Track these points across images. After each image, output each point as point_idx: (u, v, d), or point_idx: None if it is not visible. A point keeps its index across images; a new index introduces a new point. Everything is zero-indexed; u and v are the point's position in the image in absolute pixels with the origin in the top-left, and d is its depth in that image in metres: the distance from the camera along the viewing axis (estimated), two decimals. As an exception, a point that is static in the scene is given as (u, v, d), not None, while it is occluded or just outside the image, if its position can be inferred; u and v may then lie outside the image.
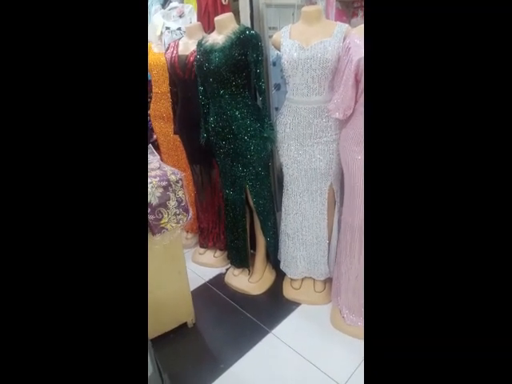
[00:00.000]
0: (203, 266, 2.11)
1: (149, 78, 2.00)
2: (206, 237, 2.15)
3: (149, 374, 0.94)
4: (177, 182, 1.40)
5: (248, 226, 1.84)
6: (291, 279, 1.81)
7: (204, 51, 1.52)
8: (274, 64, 1.77)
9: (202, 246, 2.18)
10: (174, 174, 1.40)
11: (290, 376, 1.40)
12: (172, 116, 1.98)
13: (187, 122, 1.83)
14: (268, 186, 1.72)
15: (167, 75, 1.87)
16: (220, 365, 1.46)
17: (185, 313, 1.64)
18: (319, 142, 1.48)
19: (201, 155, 1.87)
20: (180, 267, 1.55)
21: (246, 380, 1.40)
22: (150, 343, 1.06)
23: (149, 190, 1.33)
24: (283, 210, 1.71)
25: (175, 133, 1.98)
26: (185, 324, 1.66)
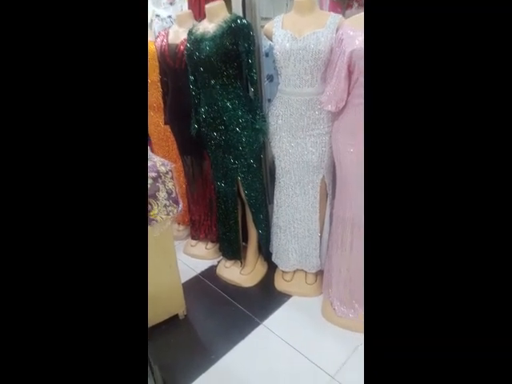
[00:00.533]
0: (195, 257, 2.10)
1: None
2: (197, 229, 2.14)
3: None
4: (166, 173, 1.38)
5: (240, 219, 1.83)
6: (283, 271, 1.82)
7: (194, 40, 1.48)
8: (267, 55, 1.74)
9: (193, 238, 2.17)
10: (163, 165, 1.38)
11: (281, 367, 1.41)
12: (162, 106, 1.95)
13: (178, 113, 1.81)
14: (260, 179, 1.71)
15: (157, 64, 1.83)
16: (211, 356, 1.47)
17: (176, 304, 1.64)
18: (311, 134, 1.47)
19: (192, 146, 1.85)
20: (171, 259, 1.55)
21: (237, 371, 1.41)
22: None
23: (138, 181, 1.31)
24: (275, 202, 1.70)
25: (166, 123, 1.95)
26: (176, 316, 1.66)
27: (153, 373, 1.24)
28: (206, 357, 1.46)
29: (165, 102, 1.91)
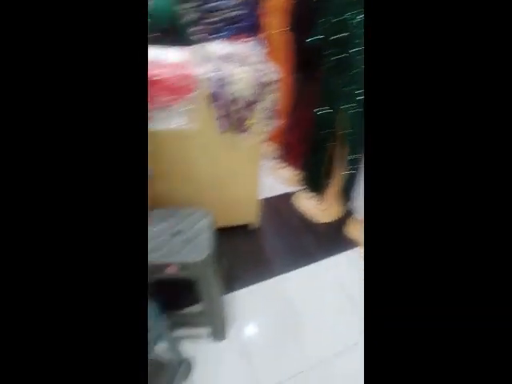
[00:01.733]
0: (280, 180, 2.12)
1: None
2: (289, 152, 2.10)
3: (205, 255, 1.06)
4: (275, 82, 1.31)
5: (331, 154, 1.72)
6: (357, 219, 1.72)
7: None
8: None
9: (282, 161, 2.16)
10: (274, 73, 1.31)
11: (326, 304, 1.43)
12: (289, 9, 1.78)
13: (303, 19, 1.64)
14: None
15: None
16: (271, 269, 1.56)
17: (251, 215, 1.72)
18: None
19: (306, 62, 1.71)
20: (254, 172, 1.56)
21: (289, 290, 1.48)
22: (214, 230, 1.19)
23: (243, 84, 1.28)
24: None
25: (289, 30, 1.80)
26: (248, 225, 1.75)
27: (222, 265, 1.36)
28: (267, 269, 1.56)
29: (292, 5, 1.74)
